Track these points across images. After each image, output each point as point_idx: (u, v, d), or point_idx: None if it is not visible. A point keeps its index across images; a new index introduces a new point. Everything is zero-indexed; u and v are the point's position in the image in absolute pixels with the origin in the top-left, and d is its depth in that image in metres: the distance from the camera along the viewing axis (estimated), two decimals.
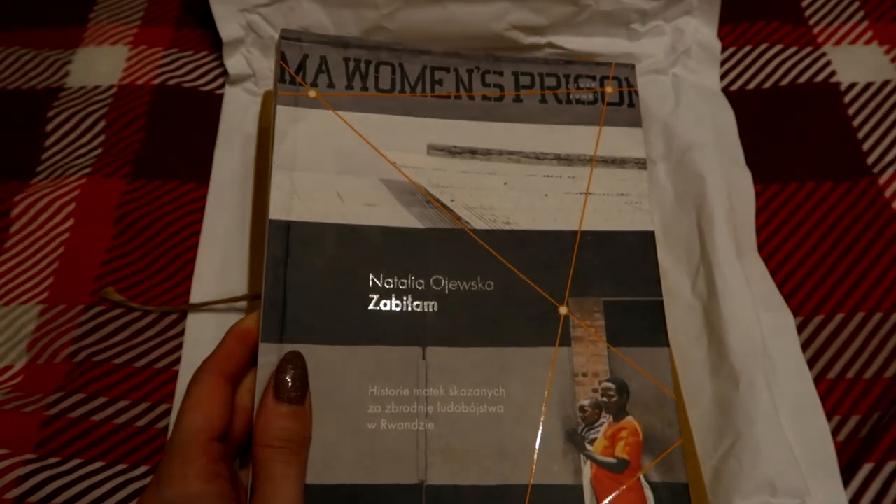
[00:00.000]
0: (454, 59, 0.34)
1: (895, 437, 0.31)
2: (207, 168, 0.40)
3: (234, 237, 0.38)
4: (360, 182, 0.31)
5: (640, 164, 0.34)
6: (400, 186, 0.32)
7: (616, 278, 0.31)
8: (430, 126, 0.33)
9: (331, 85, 0.33)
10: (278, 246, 0.29)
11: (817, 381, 0.34)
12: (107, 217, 0.39)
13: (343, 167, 0.31)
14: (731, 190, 0.38)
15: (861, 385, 0.34)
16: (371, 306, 0.29)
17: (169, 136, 0.42)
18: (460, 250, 0.31)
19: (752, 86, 0.44)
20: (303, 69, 0.32)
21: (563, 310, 0.30)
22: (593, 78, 0.35)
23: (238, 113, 0.42)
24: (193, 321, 0.36)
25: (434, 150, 0.33)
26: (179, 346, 0.35)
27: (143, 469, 0.32)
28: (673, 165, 0.39)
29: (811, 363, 0.35)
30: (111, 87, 0.43)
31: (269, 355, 0.27)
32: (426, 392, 0.28)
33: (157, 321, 0.36)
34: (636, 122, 0.34)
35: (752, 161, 0.41)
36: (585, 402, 0.29)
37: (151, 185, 0.40)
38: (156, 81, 0.44)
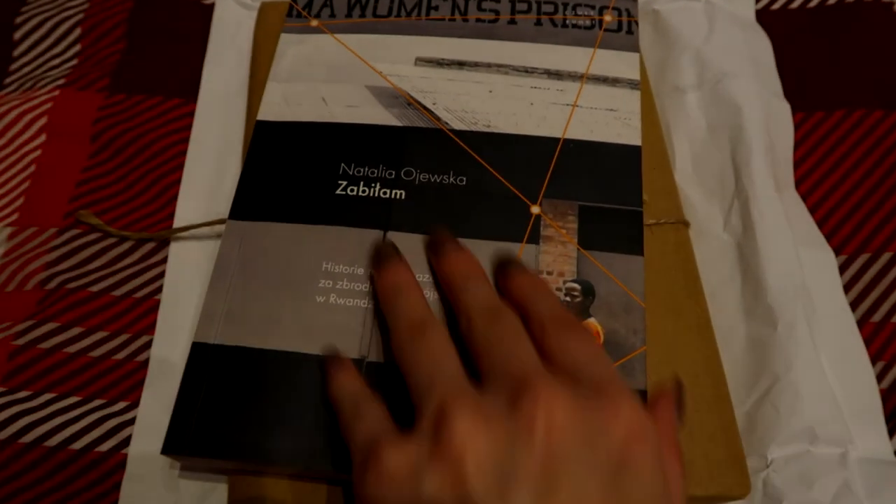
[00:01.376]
0: None
1: None
2: (195, 83, 0.37)
3: (226, 158, 0.35)
4: (345, 87, 0.33)
5: (634, 84, 0.33)
6: (383, 91, 0.33)
7: (596, 185, 0.30)
8: (421, 42, 0.34)
9: (332, 15, 0.35)
10: (260, 141, 0.31)
11: (860, 324, 0.31)
12: (82, 133, 0.35)
13: (331, 77, 0.33)
14: (770, 122, 0.35)
15: None
16: (338, 192, 0.30)
17: (152, 48, 0.38)
18: (435, 147, 0.31)
19: (795, 4, 0.40)
20: (309, 6, 0.35)
21: (535, 209, 0.30)
22: (592, 7, 0.35)
23: (230, 27, 0.39)
24: (177, 247, 0.33)
25: (421, 61, 0.34)
26: (162, 275, 0.32)
27: (122, 405, 0.29)
28: (705, 94, 0.36)
29: (854, 305, 0.32)
30: None
31: (233, 231, 0.29)
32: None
33: (137, 246, 0.33)
34: (633, 47, 0.34)
35: (793, 87, 0.37)
36: None
37: (132, 99, 0.36)
38: None
